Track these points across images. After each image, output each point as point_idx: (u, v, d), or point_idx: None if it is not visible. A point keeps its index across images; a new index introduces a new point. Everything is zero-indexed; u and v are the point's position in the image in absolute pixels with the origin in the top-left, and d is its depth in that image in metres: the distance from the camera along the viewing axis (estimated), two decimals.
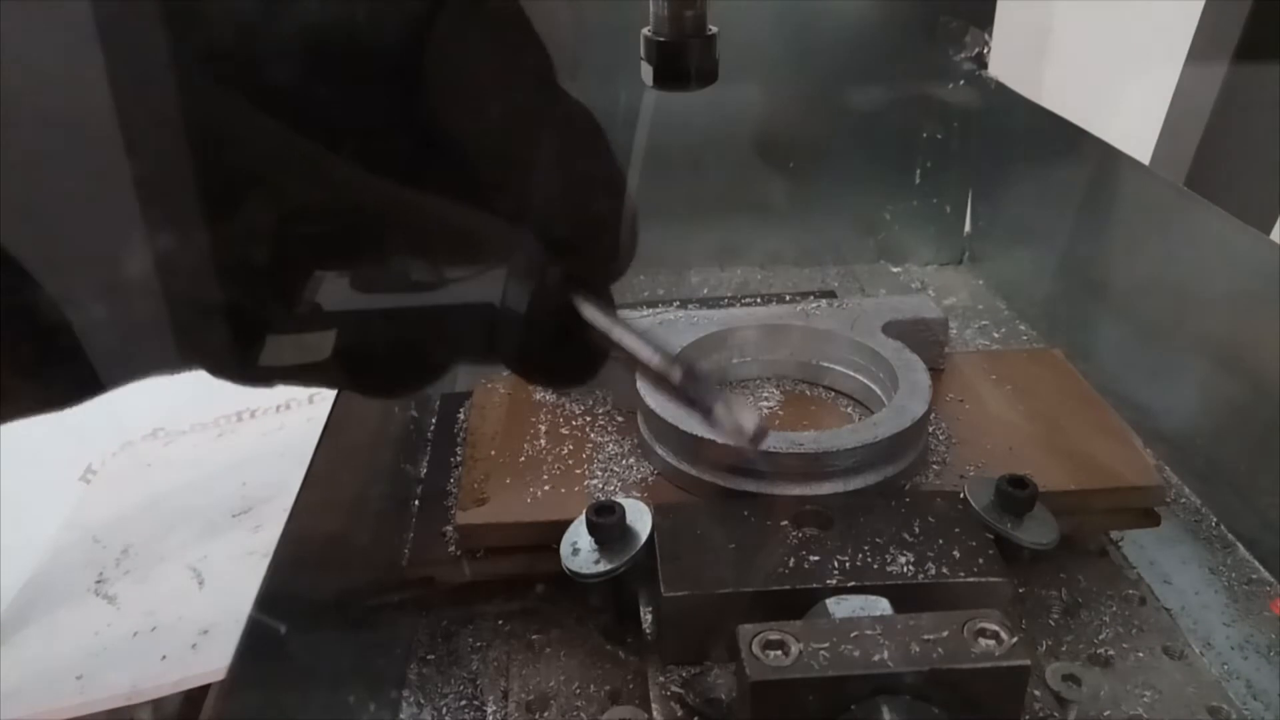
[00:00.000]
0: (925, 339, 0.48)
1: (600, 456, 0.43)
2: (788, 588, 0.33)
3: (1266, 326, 0.44)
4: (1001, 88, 0.69)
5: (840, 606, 0.32)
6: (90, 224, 0.17)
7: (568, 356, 0.22)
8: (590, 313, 0.21)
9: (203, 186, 0.17)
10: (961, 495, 0.38)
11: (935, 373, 0.46)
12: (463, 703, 0.38)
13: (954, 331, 0.66)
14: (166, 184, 0.17)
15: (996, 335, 0.67)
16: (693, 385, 0.21)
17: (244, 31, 0.18)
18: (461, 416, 0.50)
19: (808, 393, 0.49)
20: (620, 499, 0.37)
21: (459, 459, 0.46)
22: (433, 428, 0.50)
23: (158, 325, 0.18)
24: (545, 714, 0.37)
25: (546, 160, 0.21)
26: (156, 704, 0.37)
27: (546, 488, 0.41)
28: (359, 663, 0.37)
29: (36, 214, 0.17)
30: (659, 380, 0.21)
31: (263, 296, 0.20)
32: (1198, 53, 0.64)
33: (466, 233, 0.20)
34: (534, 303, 0.21)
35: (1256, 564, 0.45)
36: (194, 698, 0.37)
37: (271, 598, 0.29)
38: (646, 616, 0.37)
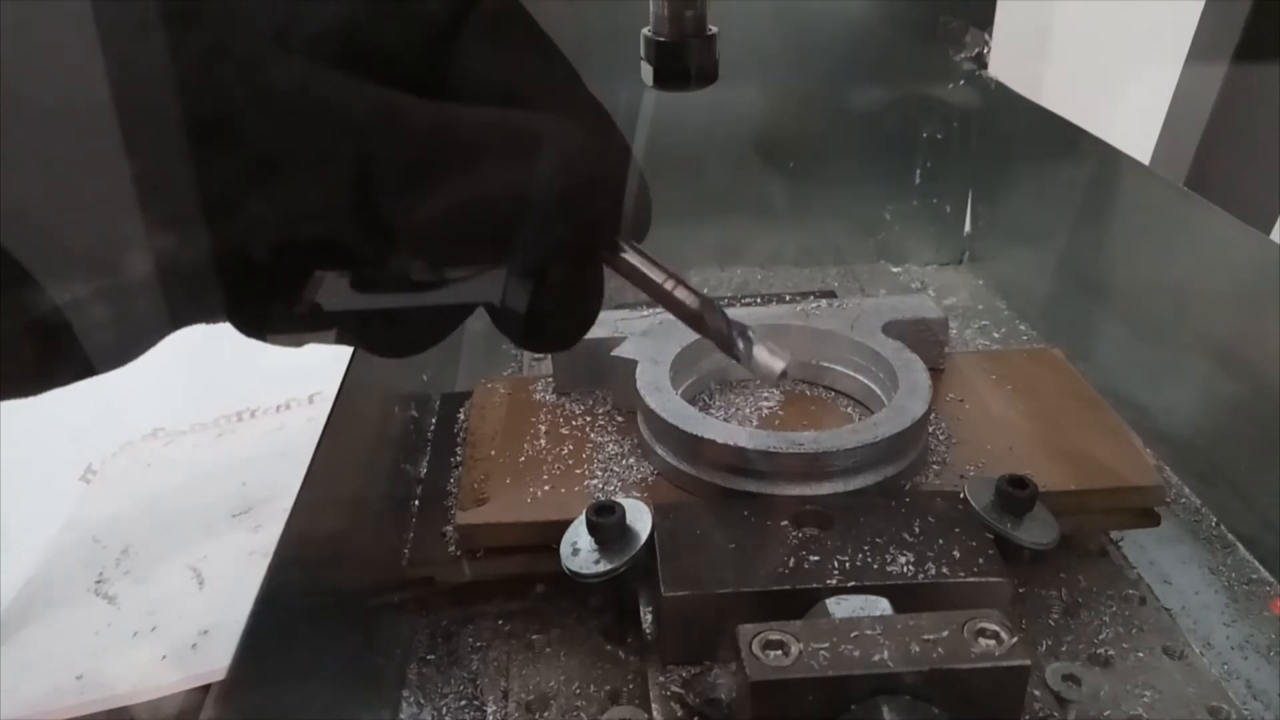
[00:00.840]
0: (925, 339, 0.48)
1: (600, 456, 0.43)
2: (788, 588, 0.33)
3: (1266, 326, 0.44)
4: (1001, 87, 0.69)
5: (840, 606, 0.32)
6: (96, 193, 0.17)
7: (563, 326, 0.23)
8: (632, 256, 0.22)
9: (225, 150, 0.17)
10: (961, 495, 0.38)
11: (935, 373, 0.46)
12: (463, 703, 0.38)
13: (954, 331, 0.66)
14: (177, 145, 0.17)
15: (996, 335, 0.67)
16: (725, 324, 0.24)
17: (261, 36, 0.18)
18: (461, 416, 0.50)
19: (808, 393, 0.49)
20: (620, 499, 0.37)
21: (459, 459, 0.46)
22: (433, 428, 0.50)
23: (178, 284, 0.18)
24: (545, 714, 0.37)
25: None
26: (156, 704, 0.37)
27: (546, 488, 0.41)
28: (359, 663, 0.37)
29: (41, 185, 0.17)
30: (693, 320, 0.23)
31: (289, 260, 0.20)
32: (1198, 52, 0.64)
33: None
34: (532, 302, 0.21)
35: (1256, 564, 0.45)
36: (194, 698, 0.37)
37: (271, 598, 0.29)
38: (646, 616, 0.37)
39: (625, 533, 0.36)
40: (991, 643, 0.29)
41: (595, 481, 0.41)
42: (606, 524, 0.36)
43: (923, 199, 0.76)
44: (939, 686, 0.28)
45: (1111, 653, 0.38)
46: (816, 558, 0.35)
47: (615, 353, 0.46)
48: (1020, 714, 0.30)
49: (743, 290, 0.74)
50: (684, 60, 0.37)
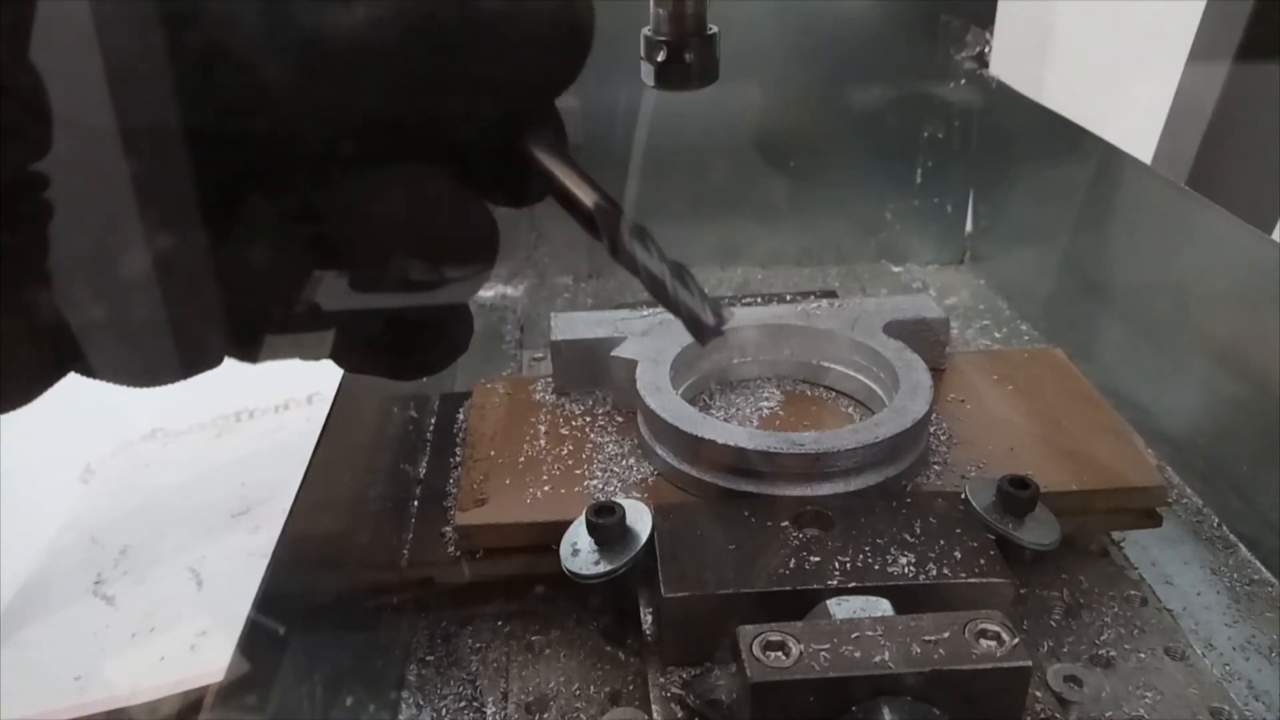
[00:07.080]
0: (926, 339, 0.48)
1: (600, 456, 0.43)
2: (788, 589, 0.33)
3: (1268, 326, 0.43)
4: (1003, 87, 0.69)
5: (841, 607, 0.32)
6: (89, 223, 0.17)
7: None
8: (542, 155, 0.20)
9: (202, 185, 0.17)
10: (963, 496, 0.38)
11: (936, 373, 0.46)
12: (462, 704, 0.38)
13: (955, 331, 0.66)
14: (166, 183, 0.17)
15: (998, 335, 0.67)
16: (636, 247, 0.19)
17: (248, 33, 0.18)
18: (461, 416, 0.49)
19: (808, 393, 0.49)
20: (620, 499, 0.37)
21: (458, 459, 0.46)
22: (432, 428, 0.50)
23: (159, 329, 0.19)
24: (545, 715, 0.37)
25: None
26: (155, 705, 0.37)
27: (546, 488, 0.41)
28: (358, 664, 0.37)
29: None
30: (589, 226, 0.19)
31: (263, 294, 0.20)
32: (1200, 51, 0.64)
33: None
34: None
35: (1258, 564, 0.45)
36: (193, 698, 0.37)
37: (270, 598, 0.29)
38: (647, 617, 0.37)
39: (625, 533, 0.36)
40: (993, 644, 0.28)
41: (595, 482, 0.41)
42: (606, 525, 0.35)
43: (924, 198, 0.76)
44: (940, 688, 0.28)
45: (1113, 654, 0.38)
46: (817, 558, 0.35)
47: (615, 353, 0.46)
48: (1021, 715, 0.29)
49: (743, 290, 0.74)
50: (684, 60, 0.37)
